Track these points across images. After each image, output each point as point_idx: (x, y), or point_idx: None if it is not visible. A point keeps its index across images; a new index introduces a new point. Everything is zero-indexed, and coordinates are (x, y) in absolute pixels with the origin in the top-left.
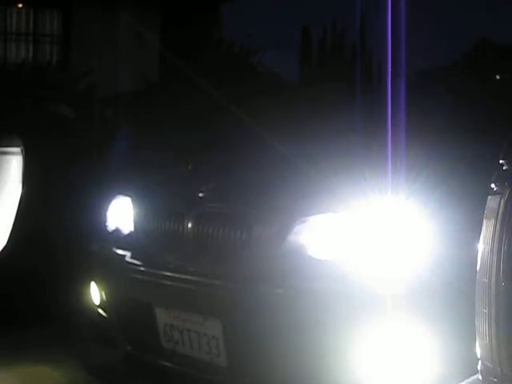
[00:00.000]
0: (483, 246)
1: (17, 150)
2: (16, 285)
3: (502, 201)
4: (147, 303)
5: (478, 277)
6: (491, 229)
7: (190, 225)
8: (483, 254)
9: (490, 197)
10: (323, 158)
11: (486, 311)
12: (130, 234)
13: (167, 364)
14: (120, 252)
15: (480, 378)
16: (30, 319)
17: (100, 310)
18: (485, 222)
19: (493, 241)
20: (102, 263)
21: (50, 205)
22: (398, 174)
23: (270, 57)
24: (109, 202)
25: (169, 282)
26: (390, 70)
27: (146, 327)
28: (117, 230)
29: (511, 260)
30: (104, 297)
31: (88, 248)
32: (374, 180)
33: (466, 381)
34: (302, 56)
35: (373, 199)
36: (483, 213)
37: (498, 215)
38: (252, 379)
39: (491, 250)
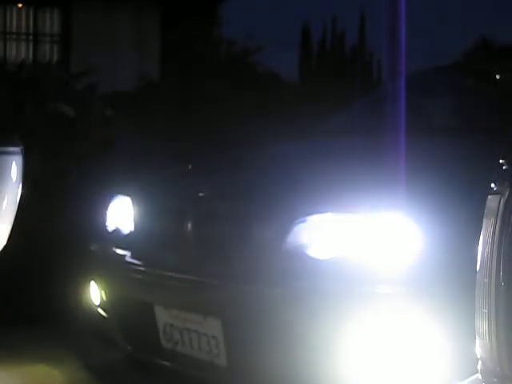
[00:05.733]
0: (483, 246)
1: (17, 149)
2: (16, 284)
3: (502, 201)
4: (147, 303)
5: (477, 277)
6: (491, 229)
7: (189, 225)
8: (483, 254)
9: (489, 197)
10: (323, 157)
11: (486, 311)
12: (129, 234)
13: (167, 364)
14: (120, 252)
15: (480, 377)
16: (30, 319)
17: (100, 310)
18: (485, 221)
19: (493, 241)
20: (102, 263)
21: (50, 205)
22: (397, 174)
23: (270, 56)
24: (109, 201)
25: (169, 282)
26: (389, 70)
27: (146, 327)
28: (117, 230)
29: (511, 260)
30: (104, 297)
31: (88, 248)
32: (373, 180)
33: (466, 381)
34: (301, 55)
35: (372, 199)
36: (483, 213)
37: (497, 215)
38: (252, 379)
39: (491, 250)
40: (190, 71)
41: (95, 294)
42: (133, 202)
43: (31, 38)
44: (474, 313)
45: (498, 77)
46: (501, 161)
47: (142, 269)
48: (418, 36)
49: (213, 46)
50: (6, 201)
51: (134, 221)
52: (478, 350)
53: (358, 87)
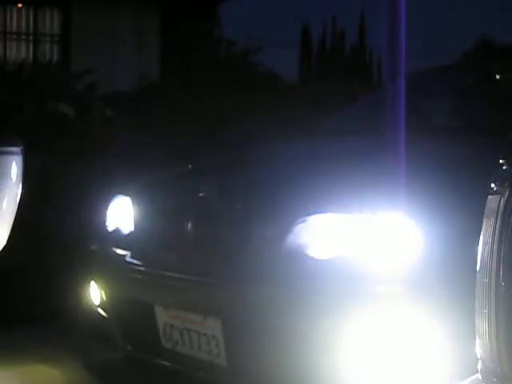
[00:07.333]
0: (483, 246)
1: (17, 149)
2: (16, 284)
3: (502, 201)
4: (147, 303)
5: (478, 277)
6: (491, 229)
7: (189, 225)
8: (483, 254)
9: (489, 197)
10: (323, 157)
11: (486, 311)
12: (129, 234)
13: (167, 364)
14: (120, 252)
15: (480, 377)
16: (30, 319)
17: (100, 310)
18: (485, 221)
19: (493, 241)
20: (102, 263)
21: (50, 205)
22: (397, 174)
23: (270, 56)
24: (109, 201)
25: (168, 282)
26: (389, 70)
27: (146, 327)
28: (117, 230)
29: (511, 260)
30: (104, 296)
31: (88, 248)
32: (374, 180)
33: (466, 381)
34: (301, 55)
35: (373, 199)
36: (483, 213)
37: (497, 215)
38: (252, 379)
39: (491, 250)
40: (190, 71)
41: (95, 293)
42: (133, 202)
43: (31, 38)
44: (473, 313)
45: (497, 77)
46: (501, 161)
47: (142, 269)
48: (418, 36)
49: (213, 46)
50: (5, 201)
51: (134, 221)
52: (478, 350)
53: (358, 87)
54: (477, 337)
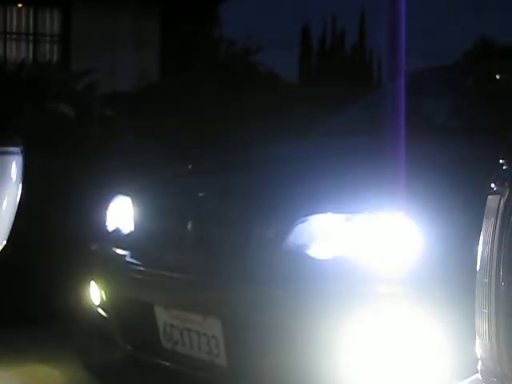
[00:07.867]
0: (483, 245)
1: (17, 149)
2: (15, 285)
3: (502, 201)
4: (147, 303)
5: (478, 277)
6: (491, 229)
7: (189, 225)
8: (483, 253)
9: (490, 197)
10: (323, 158)
11: (486, 311)
12: (129, 234)
13: (167, 364)
14: (120, 252)
15: (480, 377)
16: (30, 319)
17: (100, 310)
18: (485, 221)
19: (493, 241)
20: (102, 263)
21: (50, 205)
22: (398, 174)
23: (270, 56)
24: (109, 201)
25: (169, 282)
26: (389, 70)
27: (146, 327)
28: (117, 230)
29: (511, 260)
30: (104, 296)
31: (88, 248)
32: (374, 180)
33: (466, 381)
34: (301, 55)
35: (373, 199)
36: (483, 213)
37: (497, 215)
38: (252, 379)
39: (491, 250)
40: (190, 71)
41: (95, 294)
42: (133, 202)
43: (31, 38)
44: (473, 313)
45: (497, 77)
46: (501, 161)
47: (141, 269)
48: (418, 36)
49: (213, 46)
50: (5, 201)
51: (134, 221)
52: (478, 350)
53: (357, 87)
54: (477, 337)
